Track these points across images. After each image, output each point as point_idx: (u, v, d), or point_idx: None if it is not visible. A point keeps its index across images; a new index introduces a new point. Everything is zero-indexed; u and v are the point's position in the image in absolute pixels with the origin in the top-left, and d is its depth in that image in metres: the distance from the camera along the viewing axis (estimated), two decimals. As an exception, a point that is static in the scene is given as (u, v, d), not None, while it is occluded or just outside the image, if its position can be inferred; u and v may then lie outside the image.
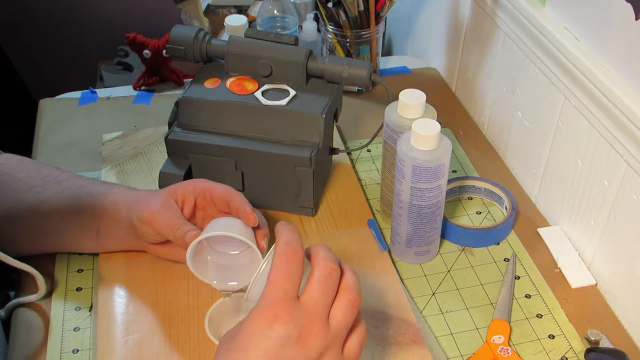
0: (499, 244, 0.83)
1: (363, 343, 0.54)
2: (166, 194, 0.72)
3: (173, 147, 0.82)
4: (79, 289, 0.76)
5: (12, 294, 0.79)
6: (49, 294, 0.75)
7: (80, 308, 0.74)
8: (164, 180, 0.81)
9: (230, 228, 0.66)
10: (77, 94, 1.10)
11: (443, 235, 0.82)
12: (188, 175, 0.82)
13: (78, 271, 0.78)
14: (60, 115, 1.05)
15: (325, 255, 0.54)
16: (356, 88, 1.10)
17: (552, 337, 0.72)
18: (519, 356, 0.69)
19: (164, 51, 0.87)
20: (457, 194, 0.90)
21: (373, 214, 0.86)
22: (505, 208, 0.86)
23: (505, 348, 0.70)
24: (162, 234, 0.70)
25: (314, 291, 0.52)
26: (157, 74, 1.10)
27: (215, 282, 0.67)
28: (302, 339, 0.50)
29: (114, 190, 0.76)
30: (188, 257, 0.65)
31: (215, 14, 1.33)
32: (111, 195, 0.75)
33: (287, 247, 0.53)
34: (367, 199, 0.89)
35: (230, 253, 0.70)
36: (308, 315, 0.50)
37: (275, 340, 0.49)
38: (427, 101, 0.77)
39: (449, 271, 0.79)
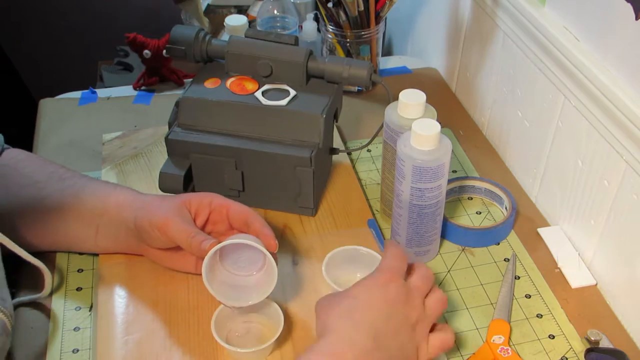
0: (499, 244, 0.83)
1: (445, 346, 0.63)
2: (180, 202, 0.72)
3: (173, 147, 0.83)
4: (79, 289, 0.76)
5: (14, 290, 0.78)
6: (49, 295, 0.75)
7: (80, 308, 0.74)
8: (164, 180, 0.81)
9: (251, 241, 0.66)
10: (77, 94, 1.10)
11: (443, 235, 0.82)
12: (188, 175, 0.82)
13: (78, 271, 0.78)
14: (60, 115, 1.05)
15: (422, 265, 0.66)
16: (356, 88, 1.10)
17: (552, 337, 0.72)
18: (519, 356, 0.69)
19: (164, 51, 0.87)
20: (457, 194, 0.90)
21: (373, 214, 0.86)
22: (505, 208, 0.86)
23: (505, 348, 0.70)
24: (174, 241, 0.69)
25: (417, 279, 0.64)
26: (157, 74, 1.10)
27: (222, 299, 0.66)
28: (409, 304, 0.61)
29: (117, 191, 0.76)
30: (204, 266, 0.65)
31: (215, 14, 1.33)
32: (114, 195, 0.75)
33: (397, 246, 0.66)
34: (367, 199, 0.89)
35: (240, 274, 0.69)
36: (412, 291, 0.62)
37: (389, 295, 0.60)
38: (427, 101, 0.77)
39: (449, 271, 0.79)
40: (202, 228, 0.73)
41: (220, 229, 0.73)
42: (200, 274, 0.65)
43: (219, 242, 0.66)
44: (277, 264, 0.67)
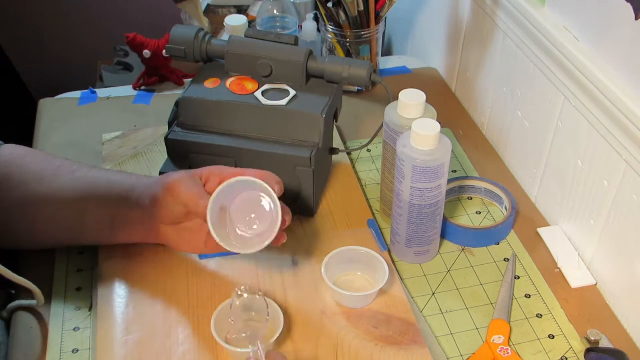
0: (499, 244, 0.83)
1: None
2: (192, 171, 0.72)
3: (173, 147, 0.83)
4: (79, 289, 0.76)
5: (14, 292, 0.79)
6: (48, 296, 0.75)
7: (80, 308, 0.74)
8: (164, 180, 0.81)
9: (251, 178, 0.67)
10: (77, 94, 1.10)
11: (443, 235, 0.82)
12: (188, 175, 0.82)
13: (78, 271, 0.78)
14: (60, 115, 1.05)
15: None
16: (356, 88, 1.10)
17: (552, 337, 0.72)
18: (519, 356, 0.69)
19: (164, 51, 0.87)
20: (457, 194, 0.90)
21: (373, 214, 0.86)
22: (505, 208, 0.86)
23: (505, 348, 0.70)
24: (184, 204, 0.69)
25: None
26: (157, 74, 1.10)
27: (224, 243, 0.67)
28: None
29: (131, 179, 0.76)
30: (210, 210, 0.66)
31: (215, 14, 1.33)
32: (129, 181, 0.75)
33: None
34: (367, 199, 0.89)
35: (249, 233, 0.70)
36: None
37: None
38: (427, 101, 0.77)
39: (449, 271, 0.80)
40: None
41: None
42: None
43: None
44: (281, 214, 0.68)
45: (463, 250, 0.82)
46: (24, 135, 1.06)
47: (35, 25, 1.87)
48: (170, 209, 0.71)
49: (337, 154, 0.90)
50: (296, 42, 0.83)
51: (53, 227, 0.75)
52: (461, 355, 0.70)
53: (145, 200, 0.73)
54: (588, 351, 0.69)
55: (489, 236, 0.83)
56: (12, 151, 0.79)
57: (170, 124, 0.84)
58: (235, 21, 1.05)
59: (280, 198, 0.71)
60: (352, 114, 1.04)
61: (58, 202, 0.74)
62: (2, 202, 0.74)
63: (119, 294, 0.74)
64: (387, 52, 1.42)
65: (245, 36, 0.84)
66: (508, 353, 0.69)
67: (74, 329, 0.72)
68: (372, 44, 1.06)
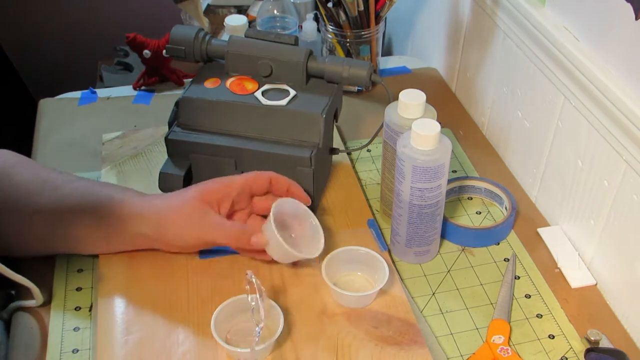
0: (499, 244, 0.83)
1: None
2: (199, 204, 0.73)
3: (173, 147, 0.83)
4: (79, 289, 0.76)
5: (14, 292, 0.79)
6: (48, 295, 0.75)
7: (80, 308, 0.74)
8: (164, 180, 0.81)
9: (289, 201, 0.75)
10: (77, 94, 1.10)
11: (443, 235, 0.82)
12: (188, 175, 0.82)
13: (78, 271, 0.78)
14: (60, 115, 1.05)
15: None
16: (356, 88, 1.10)
17: (552, 337, 0.72)
18: (519, 356, 0.69)
19: (164, 51, 0.87)
20: (457, 194, 0.90)
21: (373, 214, 0.86)
22: (505, 208, 0.86)
23: (505, 348, 0.70)
24: (217, 244, 0.74)
25: None
26: (157, 74, 1.10)
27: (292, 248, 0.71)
28: None
29: (121, 194, 0.75)
30: (273, 231, 0.70)
31: (215, 14, 1.33)
32: (118, 203, 0.73)
33: None
34: (367, 199, 0.89)
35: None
36: None
37: None
38: (427, 101, 0.77)
39: (449, 271, 0.80)
40: (231, 207, 0.76)
41: (243, 205, 0.77)
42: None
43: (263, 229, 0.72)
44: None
45: (463, 250, 0.82)
46: (24, 135, 1.06)
47: (35, 25, 1.87)
48: (185, 249, 0.76)
49: (337, 154, 0.90)
50: (296, 42, 0.83)
51: (47, 240, 0.75)
52: (461, 355, 0.70)
53: (149, 231, 0.73)
54: (588, 351, 0.69)
55: (489, 236, 0.83)
56: (4, 159, 0.78)
57: (170, 124, 0.84)
58: (235, 21, 1.05)
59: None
60: (352, 114, 1.04)
61: (47, 217, 0.73)
62: None
63: (119, 293, 0.74)
64: (387, 52, 1.42)
65: (245, 36, 0.84)
66: (508, 353, 0.69)
67: (74, 329, 0.72)
68: (372, 44, 1.06)
